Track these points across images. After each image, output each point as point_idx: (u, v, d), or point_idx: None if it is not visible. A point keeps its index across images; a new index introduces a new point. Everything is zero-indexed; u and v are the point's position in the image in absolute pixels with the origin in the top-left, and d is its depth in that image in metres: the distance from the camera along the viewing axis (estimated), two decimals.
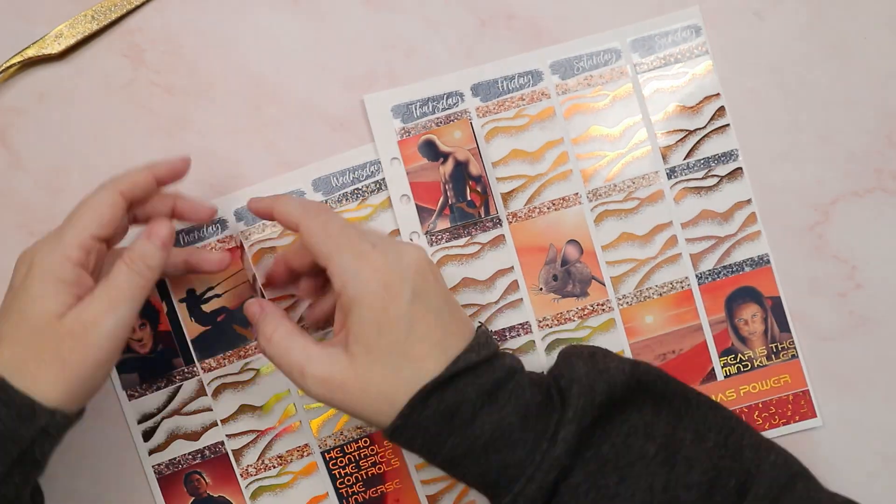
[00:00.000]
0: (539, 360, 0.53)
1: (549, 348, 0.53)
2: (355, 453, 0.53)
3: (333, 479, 0.53)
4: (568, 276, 0.53)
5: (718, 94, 0.54)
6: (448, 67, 0.54)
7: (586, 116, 0.54)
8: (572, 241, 0.53)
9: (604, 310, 0.53)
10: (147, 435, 0.52)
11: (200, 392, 0.53)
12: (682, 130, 0.54)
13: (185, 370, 0.52)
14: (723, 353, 0.54)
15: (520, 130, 0.53)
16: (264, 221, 0.52)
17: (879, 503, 0.53)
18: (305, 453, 0.53)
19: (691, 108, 0.54)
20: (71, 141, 0.54)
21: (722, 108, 0.54)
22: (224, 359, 0.53)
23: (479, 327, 0.45)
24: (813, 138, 0.54)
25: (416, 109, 0.53)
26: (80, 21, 0.53)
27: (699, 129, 0.54)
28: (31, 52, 0.53)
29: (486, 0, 0.54)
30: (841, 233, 0.54)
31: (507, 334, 0.53)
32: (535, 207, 0.53)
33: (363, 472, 0.53)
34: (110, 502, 0.53)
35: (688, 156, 0.54)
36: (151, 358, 0.52)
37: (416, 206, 0.53)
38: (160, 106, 0.54)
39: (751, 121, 0.54)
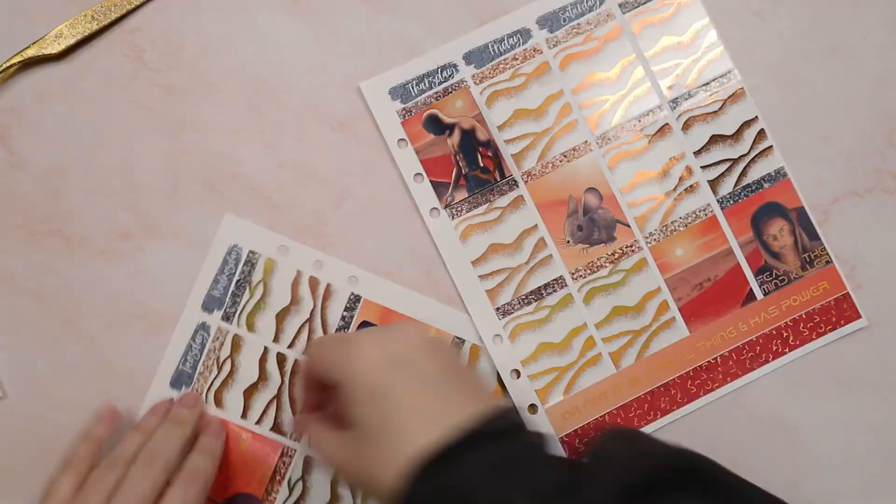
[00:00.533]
0: (580, 314, 0.53)
1: (587, 298, 0.53)
2: None
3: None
4: (592, 224, 0.53)
5: (706, 20, 0.54)
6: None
7: (581, 64, 0.54)
8: (590, 189, 0.53)
9: (633, 251, 0.53)
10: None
11: None
12: (676, 63, 0.54)
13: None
14: (758, 272, 0.54)
15: (519, 90, 0.54)
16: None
17: (879, 503, 0.53)
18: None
19: (681, 38, 0.54)
20: (71, 141, 0.54)
21: (710, 32, 0.54)
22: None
23: (500, 405, 0.42)
24: (813, 138, 0.54)
25: (413, 88, 0.54)
26: (80, 21, 0.53)
27: (694, 58, 0.54)
28: (31, 52, 0.53)
29: (486, 0, 0.54)
30: (841, 233, 0.54)
31: (544, 292, 0.53)
32: (548, 163, 0.54)
33: None
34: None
35: (687, 85, 0.54)
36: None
37: (431, 182, 0.53)
38: (160, 106, 0.54)
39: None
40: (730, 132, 0.54)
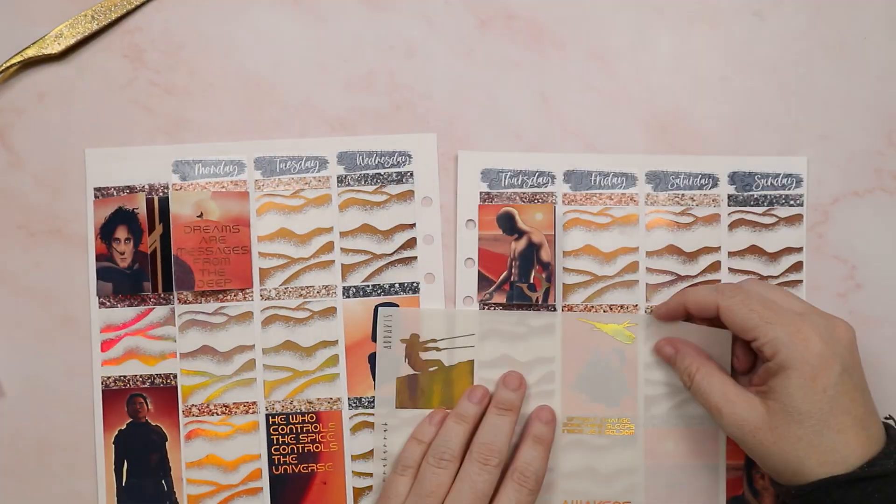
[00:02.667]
0: (554, 455, 0.52)
1: (565, 449, 0.52)
2: (299, 426, 0.53)
3: (270, 443, 0.53)
4: (605, 381, 0.53)
5: (801, 249, 0.53)
6: (449, 68, 0.54)
7: (667, 233, 0.53)
8: (618, 350, 0.53)
9: (630, 424, 0.52)
10: (106, 345, 0.53)
11: (169, 321, 0.53)
12: (753, 273, 0.53)
13: (161, 296, 0.53)
14: (730, 501, 0.53)
15: (600, 228, 0.53)
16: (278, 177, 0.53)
17: None
18: (251, 410, 0.53)
19: (770, 254, 0.53)
20: (71, 141, 0.54)
21: (799, 263, 0.53)
22: (202, 297, 0.53)
23: (889, 429, 0.45)
24: (813, 138, 0.54)
25: (504, 179, 0.53)
26: (80, 21, 0.53)
27: (771, 276, 0.53)
28: (31, 52, 0.53)
29: (486, 0, 0.54)
30: (841, 233, 0.54)
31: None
32: (593, 307, 0.53)
33: (301, 445, 0.53)
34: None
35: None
36: (127, 274, 0.53)
37: (479, 272, 0.53)
38: (160, 106, 0.54)
39: (751, 121, 0.54)
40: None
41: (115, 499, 0.52)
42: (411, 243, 0.53)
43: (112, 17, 0.53)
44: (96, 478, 0.52)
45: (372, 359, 0.53)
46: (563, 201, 0.53)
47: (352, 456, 0.53)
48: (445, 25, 0.54)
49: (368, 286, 0.53)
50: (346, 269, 0.53)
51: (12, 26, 0.54)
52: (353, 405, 0.53)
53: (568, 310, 0.53)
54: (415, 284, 0.53)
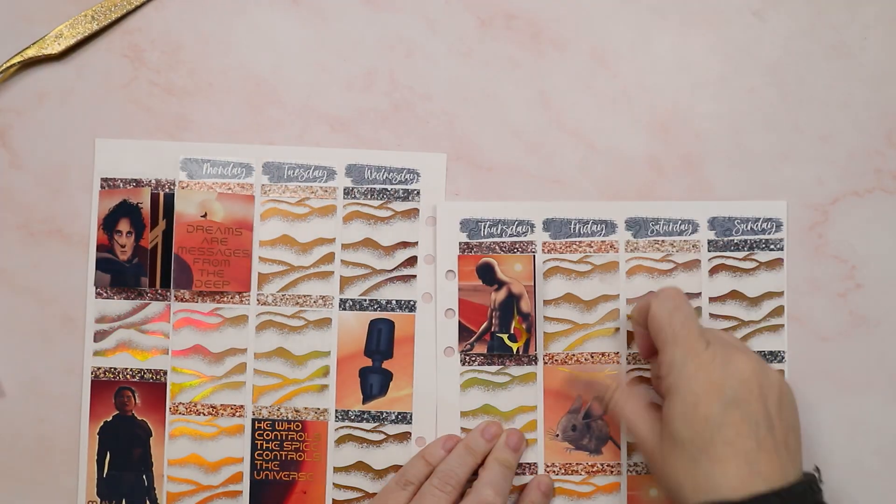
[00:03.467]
0: None
1: (553, 494, 0.52)
2: (284, 433, 0.53)
3: (254, 447, 0.53)
4: (587, 430, 0.53)
5: (781, 293, 0.53)
6: (449, 68, 0.54)
7: (647, 280, 0.53)
8: (600, 398, 0.52)
9: (613, 472, 0.53)
10: (98, 336, 0.53)
11: (164, 317, 0.53)
12: (735, 318, 0.53)
13: (159, 291, 0.53)
14: None
15: (580, 276, 0.53)
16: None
17: (879, 503, 0.53)
18: (238, 413, 0.53)
19: (751, 299, 0.53)
20: (71, 141, 0.54)
21: (780, 308, 0.53)
22: (199, 296, 0.53)
23: (808, 474, 0.44)
24: (813, 138, 0.54)
25: (484, 228, 0.53)
26: (80, 21, 0.53)
27: (752, 321, 0.53)
28: (31, 52, 0.53)
29: (486, 0, 0.54)
30: (841, 233, 0.54)
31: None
32: (573, 355, 0.53)
33: (284, 452, 0.53)
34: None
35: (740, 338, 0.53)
36: (126, 267, 0.53)
37: (459, 322, 0.53)
38: (160, 106, 0.54)
39: (751, 121, 0.54)
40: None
41: (95, 489, 0.52)
42: (412, 261, 0.53)
43: (112, 17, 0.53)
44: (78, 468, 0.53)
45: (363, 373, 0.53)
46: (543, 249, 0.53)
47: (334, 468, 0.53)
48: (445, 25, 0.54)
49: (365, 300, 0.53)
50: (345, 282, 0.53)
51: (12, 26, 0.54)
52: (340, 417, 0.53)
53: (549, 359, 0.53)
54: (412, 303, 0.53)
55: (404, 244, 0.53)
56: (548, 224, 0.53)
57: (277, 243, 0.53)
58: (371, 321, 0.53)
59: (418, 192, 0.54)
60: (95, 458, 0.53)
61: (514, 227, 0.53)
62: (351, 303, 0.53)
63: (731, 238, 0.53)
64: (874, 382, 0.54)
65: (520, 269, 0.53)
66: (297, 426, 0.53)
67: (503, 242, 0.53)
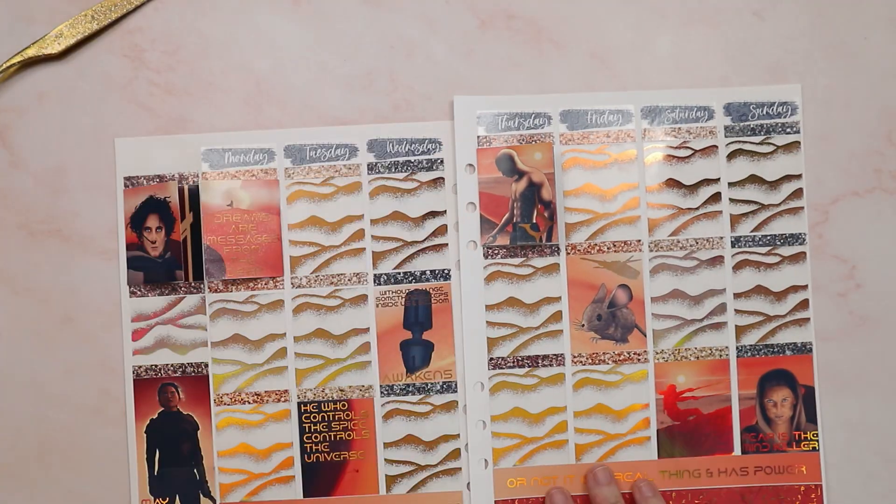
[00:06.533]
0: (565, 396, 0.53)
1: (578, 385, 0.53)
2: (331, 413, 0.53)
3: (302, 430, 0.53)
4: (612, 319, 0.53)
5: (800, 176, 0.53)
6: (449, 68, 0.54)
7: (664, 167, 0.53)
8: (624, 286, 0.53)
9: (640, 360, 0.53)
10: (136, 335, 0.53)
11: (200, 310, 0.53)
12: (754, 202, 0.53)
13: (192, 284, 0.53)
14: (745, 430, 0.53)
15: (598, 166, 0.53)
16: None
17: (879, 503, 0.53)
18: (283, 399, 0.53)
19: (770, 182, 0.54)
20: (71, 141, 0.54)
21: (799, 190, 0.53)
22: (233, 285, 0.53)
23: None
24: (813, 138, 0.54)
25: (501, 122, 0.53)
26: (80, 21, 0.53)
27: (772, 205, 0.53)
28: (31, 52, 0.53)
29: (486, 0, 0.54)
30: (841, 233, 0.54)
31: (540, 362, 0.53)
32: (596, 245, 0.53)
33: (333, 433, 0.53)
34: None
35: (756, 229, 0.53)
36: (159, 262, 0.53)
37: (481, 216, 0.53)
38: (160, 106, 0.54)
39: None
40: (776, 289, 0.53)
41: (148, 487, 0.53)
42: (442, 230, 0.53)
43: (112, 17, 0.53)
44: (128, 467, 0.53)
45: (404, 346, 0.53)
46: (561, 141, 0.53)
47: (384, 443, 0.53)
48: (445, 25, 0.54)
49: (399, 273, 0.53)
50: (377, 257, 0.53)
51: (12, 26, 0.54)
52: (385, 392, 0.53)
53: (571, 249, 0.53)
54: (446, 271, 0.53)
55: (433, 213, 0.54)
56: (564, 115, 0.53)
57: (306, 225, 0.53)
58: (408, 293, 0.53)
59: (441, 161, 0.54)
60: (145, 456, 0.53)
61: (532, 120, 0.53)
62: (385, 277, 0.53)
63: (747, 123, 0.53)
64: (874, 382, 0.54)
65: (539, 158, 0.53)
66: (344, 405, 0.53)
67: (521, 135, 0.53)
